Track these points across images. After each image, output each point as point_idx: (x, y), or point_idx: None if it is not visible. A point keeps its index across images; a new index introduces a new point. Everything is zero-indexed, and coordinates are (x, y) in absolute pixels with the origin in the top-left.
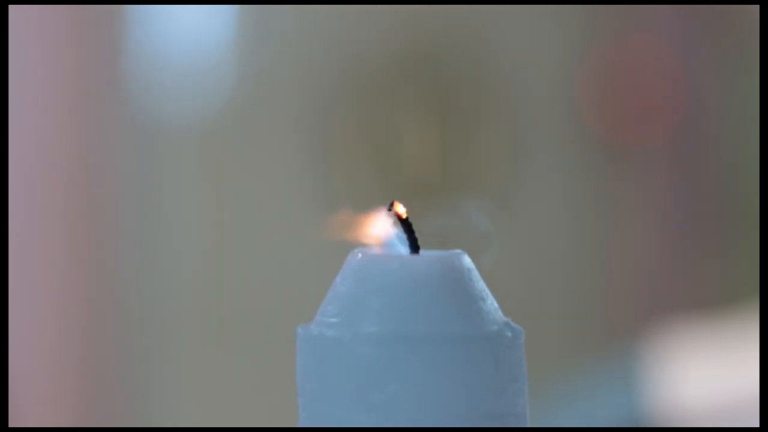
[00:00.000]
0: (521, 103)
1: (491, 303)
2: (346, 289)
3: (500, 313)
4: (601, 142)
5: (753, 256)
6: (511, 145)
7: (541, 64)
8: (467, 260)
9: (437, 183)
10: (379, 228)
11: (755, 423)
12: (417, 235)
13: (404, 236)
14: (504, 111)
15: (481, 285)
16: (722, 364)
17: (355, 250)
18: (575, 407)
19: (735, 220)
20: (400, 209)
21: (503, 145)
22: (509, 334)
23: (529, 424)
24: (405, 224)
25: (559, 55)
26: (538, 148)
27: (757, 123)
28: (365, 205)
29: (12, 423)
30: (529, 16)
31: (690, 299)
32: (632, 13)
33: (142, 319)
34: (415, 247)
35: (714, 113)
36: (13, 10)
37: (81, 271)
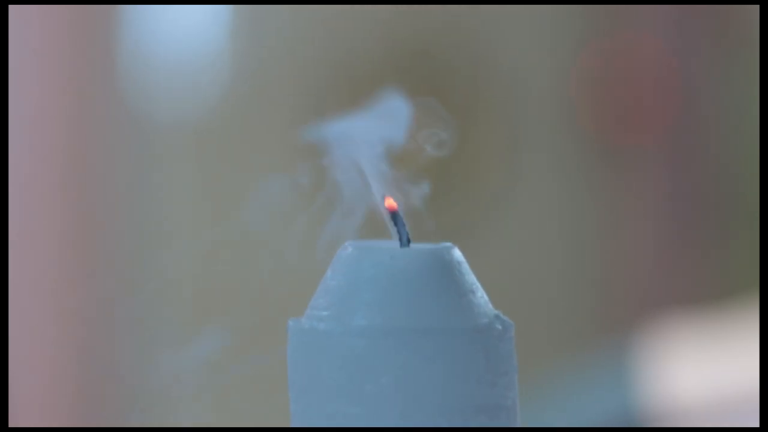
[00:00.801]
0: (517, 101)
1: (481, 296)
2: (336, 282)
3: (490, 306)
4: (598, 140)
5: (748, 253)
6: (507, 142)
7: (537, 62)
8: (457, 253)
9: (432, 181)
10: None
11: (750, 419)
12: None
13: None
14: (500, 109)
15: (471, 278)
16: (717, 360)
17: (346, 244)
18: (568, 402)
19: (730, 217)
20: (392, 202)
21: (499, 143)
22: (499, 327)
23: (519, 417)
24: (396, 217)
25: (555, 53)
26: (534, 145)
27: (754, 121)
28: (362, 204)
29: (11, 423)
30: (525, 15)
31: (685, 295)
32: (629, 11)
33: (136, 316)
34: (405, 240)
35: (710, 111)
36: (11, 9)
37: (78, 269)
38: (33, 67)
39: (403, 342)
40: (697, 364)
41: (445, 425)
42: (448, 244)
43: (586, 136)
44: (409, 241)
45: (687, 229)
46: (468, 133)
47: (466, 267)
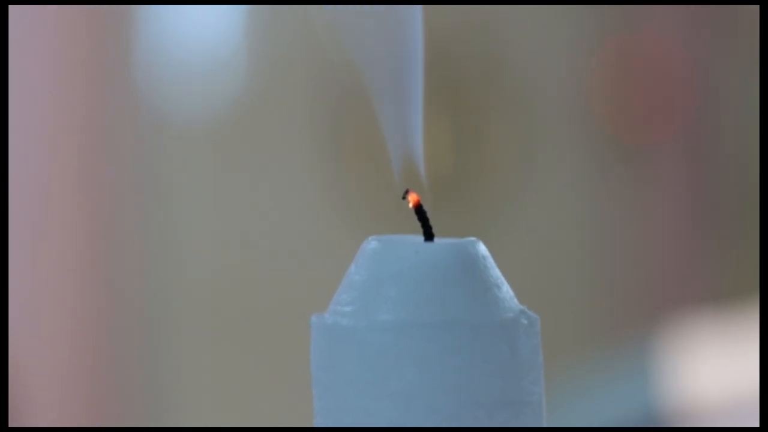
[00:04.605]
0: (533, 99)
1: (506, 290)
2: (359, 277)
3: (516, 300)
4: (613, 138)
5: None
6: (526, 140)
7: (552, 60)
8: (482, 247)
9: (449, 178)
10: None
11: None
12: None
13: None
14: (516, 107)
15: (496, 272)
16: (737, 357)
17: (369, 238)
18: (590, 397)
19: (749, 212)
20: (414, 197)
21: (518, 141)
22: (525, 322)
23: (544, 413)
24: (419, 212)
25: (570, 50)
26: (552, 143)
27: None
28: (376, 200)
29: (21, 423)
30: (540, 12)
31: (705, 292)
32: (643, 8)
33: (154, 314)
34: (429, 234)
35: (726, 107)
36: (25, 9)
37: (91, 269)
38: (48, 68)
39: (428, 337)
40: (717, 361)
41: (470, 420)
42: (473, 238)
43: (604, 134)
44: (432, 236)
45: (706, 226)
46: (487, 131)
47: (491, 261)
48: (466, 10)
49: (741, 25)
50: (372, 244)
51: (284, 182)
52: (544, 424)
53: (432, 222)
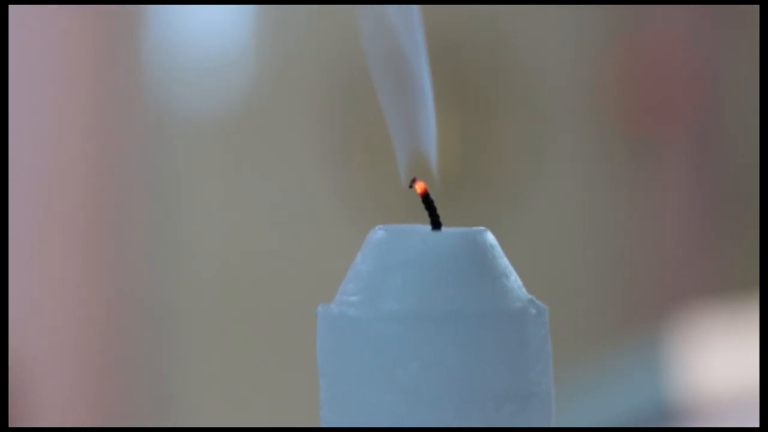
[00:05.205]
0: (541, 95)
1: (515, 280)
2: (366, 267)
3: (524, 290)
4: (622, 133)
5: None
6: (535, 133)
7: (561, 57)
8: (490, 237)
9: (457, 174)
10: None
11: None
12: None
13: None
14: (524, 103)
15: (504, 261)
16: (744, 348)
17: (376, 228)
18: (597, 390)
19: (758, 206)
20: (422, 185)
21: (526, 134)
22: (533, 311)
23: (554, 405)
24: (426, 201)
25: (578, 46)
26: (558, 139)
27: None
28: (383, 196)
29: (26, 421)
30: (549, 11)
31: (713, 284)
32: (651, 6)
33: (161, 311)
34: (436, 223)
35: (733, 104)
36: (35, 9)
37: (98, 266)
38: (54, 66)
39: (435, 327)
40: (725, 353)
41: (478, 412)
42: (482, 227)
43: (612, 130)
44: (440, 225)
45: (714, 219)
46: (495, 128)
47: (499, 250)
48: (475, 8)
49: (748, 22)
50: (378, 233)
51: (292, 179)
52: (553, 416)
53: (440, 216)
